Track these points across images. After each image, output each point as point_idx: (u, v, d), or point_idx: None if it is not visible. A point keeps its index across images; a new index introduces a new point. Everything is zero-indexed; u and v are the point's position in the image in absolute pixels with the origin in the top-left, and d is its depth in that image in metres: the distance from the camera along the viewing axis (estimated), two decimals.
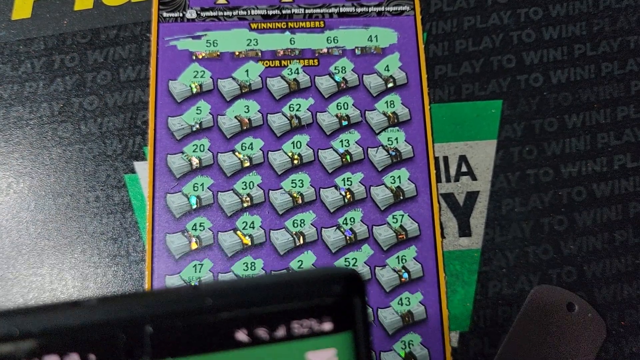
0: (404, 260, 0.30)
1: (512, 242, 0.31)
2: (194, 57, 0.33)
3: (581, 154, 0.32)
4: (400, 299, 0.30)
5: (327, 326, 0.13)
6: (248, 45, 0.33)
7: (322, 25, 0.33)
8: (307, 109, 0.32)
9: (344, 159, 0.31)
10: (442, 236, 0.31)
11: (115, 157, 0.32)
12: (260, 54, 0.33)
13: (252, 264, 0.30)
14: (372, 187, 0.31)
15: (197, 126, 0.32)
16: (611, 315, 0.30)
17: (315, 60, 0.33)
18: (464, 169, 0.32)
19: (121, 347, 0.13)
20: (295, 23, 0.33)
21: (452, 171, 0.32)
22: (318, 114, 0.32)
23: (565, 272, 0.30)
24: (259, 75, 0.32)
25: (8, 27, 0.34)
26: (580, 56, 0.33)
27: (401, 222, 0.31)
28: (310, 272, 0.14)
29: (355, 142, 0.32)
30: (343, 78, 0.32)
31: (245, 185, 0.31)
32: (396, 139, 0.32)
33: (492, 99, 0.33)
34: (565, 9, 0.34)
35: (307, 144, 0.32)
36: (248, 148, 0.31)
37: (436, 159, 0.32)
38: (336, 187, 0.31)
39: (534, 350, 0.29)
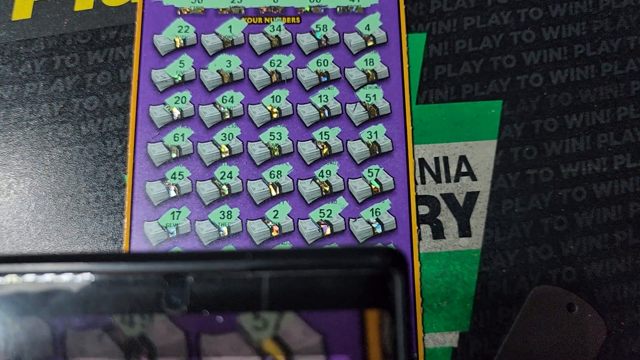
0: (377, 213, 0.31)
1: (512, 242, 0.31)
2: (179, 13, 0.33)
3: (581, 154, 0.32)
4: None
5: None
6: (232, 2, 0.33)
7: None
8: (288, 65, 0.33)
9: (322, 114, 0.32)
10: (416, 191, 0.31)
11: (115, 158, 0.32)
12: (243, 10, 0.33)
13: (229, 212, 0.31)
14: (348, 142, 0.32)
15: (180, 79, 0.32)
16: (611, 315, 0.30)
17: (297, 18, 0.33)
18: (464, 169, 0.32)
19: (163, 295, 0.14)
20: None
21: (452, 171, 0.32)
22: (298, 69, 0.33)
23: (565, 272, 0.30)
24: (242, 32, 0.33)
25: (8, 28, 0.34)
26: (580, 56, 0.33)
27: (376, 175, 0.31)
28: (354, 246, 0.14)
29: (334, 98, 0.32)
30: (324, 36, 0.33)
31: (224, 136, 0.32)
32: (374, 95, 0.32)
33: (492, 99, 0.33)
34: (565, 9, 0.34)
35: (286, 99, 0.32)
36: (229, 101, 0.32)
37: (436, 159, 0.32)
38: (313, 140, 0.32)
39: (534, 351, 0.29)
